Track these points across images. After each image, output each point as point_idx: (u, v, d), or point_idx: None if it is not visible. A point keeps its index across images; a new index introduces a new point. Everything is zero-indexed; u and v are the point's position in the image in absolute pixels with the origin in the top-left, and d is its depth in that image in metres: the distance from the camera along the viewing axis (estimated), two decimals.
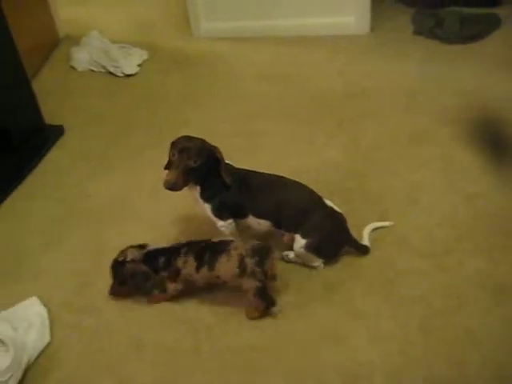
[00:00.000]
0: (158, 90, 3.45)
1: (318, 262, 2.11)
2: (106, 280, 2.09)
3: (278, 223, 2.08)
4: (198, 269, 1.93)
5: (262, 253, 1.89)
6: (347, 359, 1.83)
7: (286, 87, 3.32)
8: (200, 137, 2.05)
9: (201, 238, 2.04)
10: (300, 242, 2.04)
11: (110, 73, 3.64)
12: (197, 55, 3.75)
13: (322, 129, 2.92)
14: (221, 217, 2.11)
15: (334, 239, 2.09)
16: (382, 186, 2.50)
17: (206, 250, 1.95)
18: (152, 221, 2.45)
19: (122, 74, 3.61)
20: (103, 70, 3.68)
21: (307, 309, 2.01)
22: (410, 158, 2.66)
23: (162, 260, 2.00)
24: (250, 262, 1.86)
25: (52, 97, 3.39)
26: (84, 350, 1.96)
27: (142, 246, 2.06)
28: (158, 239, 2.22)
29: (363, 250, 2.15)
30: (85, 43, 3.84)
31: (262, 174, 2.12)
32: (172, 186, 1.96)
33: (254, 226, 2.13)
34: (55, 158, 2.96)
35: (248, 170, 2.14)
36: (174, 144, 2.03)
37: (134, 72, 3.62)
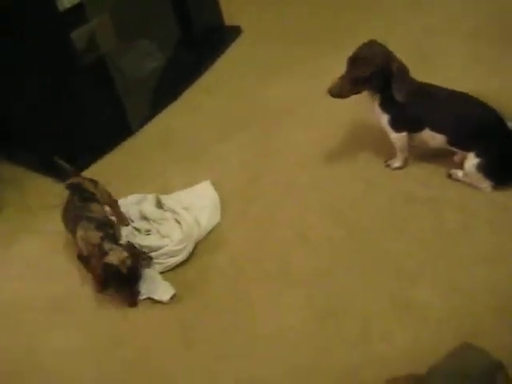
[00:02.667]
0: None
1: (486, 184, 2.04)
2: (274, 175, 2.22)
3: (453, 139, 2.03)
4: None
5: None
6: (505, 284, 1.79)
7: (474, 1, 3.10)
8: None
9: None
10: (473, 160, 1.99)
11: None
12: None
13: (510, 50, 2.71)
14: (396, 128, 2.11)
15: (508, 163, 2.01)
16: None
17: None
18: (321, 125, 2.51)
19: None
20: None
21: (470, 228, 1.97)
22: None
23: None
24: None
25: (232, 1, 3.48)
26: (249, 235, 2.13)
27: None
28: (322, 143, 2.29)
29: None
30: None
31: (445, 88, 2.06)
32: (335, 94, 2.01)
33: (428, 141, 2.09)
34: (232, 57, 3.10)
35: (431, 84, 2.08)
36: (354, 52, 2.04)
37: None
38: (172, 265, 2.04)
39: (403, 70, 2.01)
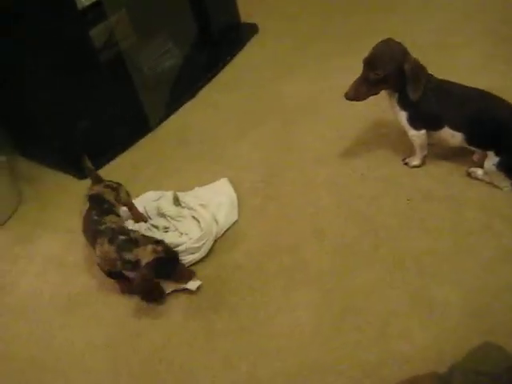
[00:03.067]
0: None
1: (506, 183, 2.03)
2: (292, 173, 2.22)
3: (472, 137, 2.01)
4: None
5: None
6: None
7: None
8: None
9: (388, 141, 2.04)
10: (493, 159, 1.97)
11: None
12: None
13: None
14: (414, 126, 2.10)
15: None
16: None
17: None
18: (338, 122, 2.51)
19: None
20: None
21: (490, 226, 1.95)
22: None
23: None
24: None
25: None
26: (267, 232, 2.13)
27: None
28: (339, 140, 2.30)
29: None
30: None
31: (465, 86, 2.04)
32: (352, 97, 2.05)
33: (447, 139, 2.08)
34: (249, 54, 3.11)
35: (449, 81, 2.07)
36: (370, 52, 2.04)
37: None
38: (191, 262, 2.05)
39: (418, 70, 1.99)
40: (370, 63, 2.00)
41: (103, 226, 1.94)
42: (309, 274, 1.94)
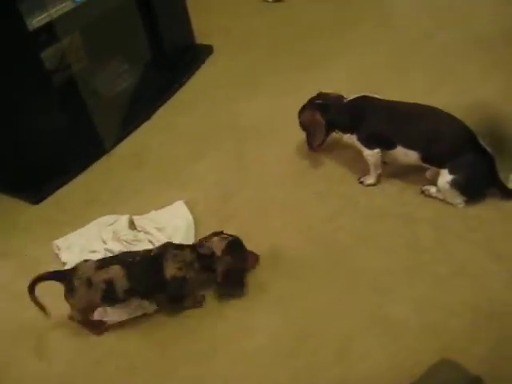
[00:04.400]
0: (307, 17, 3.45)
1: (459, 200, 2.07)
2: (249, 193, 2.22)
3: (426, 155, 2.05)
4: None
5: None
6: (481, 298, 1.81)
7: (442, 22, 3.17)
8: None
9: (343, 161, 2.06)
10: (446, 177, 2.01)
11: None
12: None
13: (477, 66, 2.78)
14: (367, 145, 2.13)
15: (481, 179, 2.03)
16: None
17: None
18: (293, 141, 2.51)
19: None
20: None
21: (445, 243, 1.99)
22: None
23: None
24: None
25: (202, 18, 3.46)
26: None
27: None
28: (295, 160, 2.33)
29: (509, 194, 2.08)
30: None
31: (416, 104, 2.09)
32: (316, 150, 2.36)
33: (401, 158, 2.12)
34: (204, 75, 3.11)
35: (399, 101, 2.11)
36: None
37: None
38: None
39: (315, 125, 2.25)
40: (304, 129, 2.33)
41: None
42: (267, 296, 1.92)
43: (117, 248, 2.15)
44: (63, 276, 1.82)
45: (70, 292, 1.80)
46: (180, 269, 1.82)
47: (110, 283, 1.79)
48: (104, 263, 1.84)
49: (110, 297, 1.81)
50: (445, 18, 3.20)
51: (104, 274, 1.79)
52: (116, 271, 1.80)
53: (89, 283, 1.79)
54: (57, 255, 2.19)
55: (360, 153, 2.19)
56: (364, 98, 2.18)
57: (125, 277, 1.79)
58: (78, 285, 1.79)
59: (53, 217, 2.41)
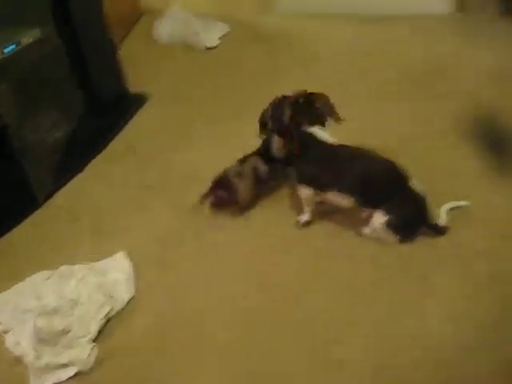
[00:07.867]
0: (238, 64, 3.53)
1: (393, 239, 2.13)
2: (187, 240, 2.20)
3: (362, 199, 2.10)
4: None
5: None
6: (420, 333, 1.84)
7: (368, 65, 3.31)
8: None
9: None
10: (381, 218, 2.06)
11: (191, 45, 3.73)
12: (277, 31, 3.82)
13: (408, 106, 2.91)
14: (301, 183, 2.20)
15: (414, 219, 2.11)
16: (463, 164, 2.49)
17: None
18: None
19: (203, 47, 3.70)
20: (184, 43, 3.78)
21: (381, 279, 2.03)
22: None
23: None
24: None
25: (135, 67, 3.50)
26: (164, 306, 2.05)
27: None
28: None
29: (440, 231, 2.15)
30: (167, 16, 3.96)
31: (349, 147, 2.15)
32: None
33: (337, 202, 2.17)
34: (139, 124, 3.10)
35: (336, 145, 2.16)
36: None
37: (214, 45, 3.73)
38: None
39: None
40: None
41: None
42: (213, 347, 1.89)
43: (53, 302, 2.07)
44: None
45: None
46: None
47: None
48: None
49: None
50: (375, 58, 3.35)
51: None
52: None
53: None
54: None
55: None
56: (310, 134, 2.18)
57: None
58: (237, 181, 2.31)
59: None
